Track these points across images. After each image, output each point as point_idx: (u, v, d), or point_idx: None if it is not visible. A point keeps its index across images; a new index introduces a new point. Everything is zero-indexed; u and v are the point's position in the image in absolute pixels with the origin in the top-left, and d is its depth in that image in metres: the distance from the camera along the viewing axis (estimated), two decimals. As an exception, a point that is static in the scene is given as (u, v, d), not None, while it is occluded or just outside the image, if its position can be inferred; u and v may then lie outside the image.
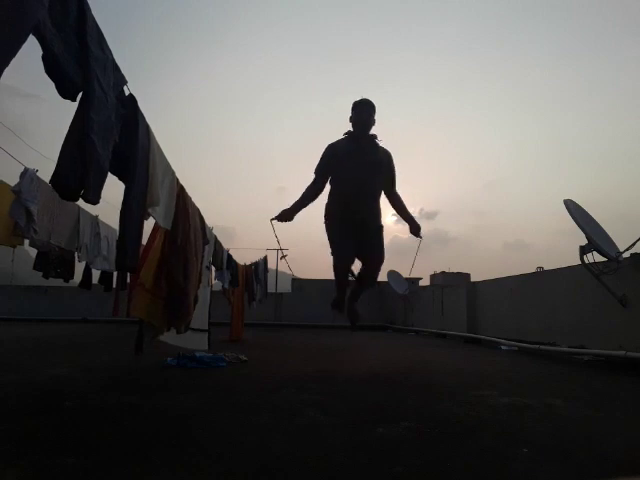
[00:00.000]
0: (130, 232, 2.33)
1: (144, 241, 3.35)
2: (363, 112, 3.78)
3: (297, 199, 3.86)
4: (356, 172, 3.72)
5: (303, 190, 3.89)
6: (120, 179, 2.23)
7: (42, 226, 4.01)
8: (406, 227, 4.16)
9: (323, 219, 3.91)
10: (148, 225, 3.09)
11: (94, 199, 1.85)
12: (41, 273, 5.69)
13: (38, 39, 1.42)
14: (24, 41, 1.27)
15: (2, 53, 1.19)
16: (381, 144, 3.90)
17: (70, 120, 1.73)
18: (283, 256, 4.05)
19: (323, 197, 3.99)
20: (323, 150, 3.92)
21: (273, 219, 3.82)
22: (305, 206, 3.88)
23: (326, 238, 3.87)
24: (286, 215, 3.80)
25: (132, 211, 2.31)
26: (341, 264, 3.80)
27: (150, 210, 2.65)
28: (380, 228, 3.89)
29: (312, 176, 3.90)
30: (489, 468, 1.42)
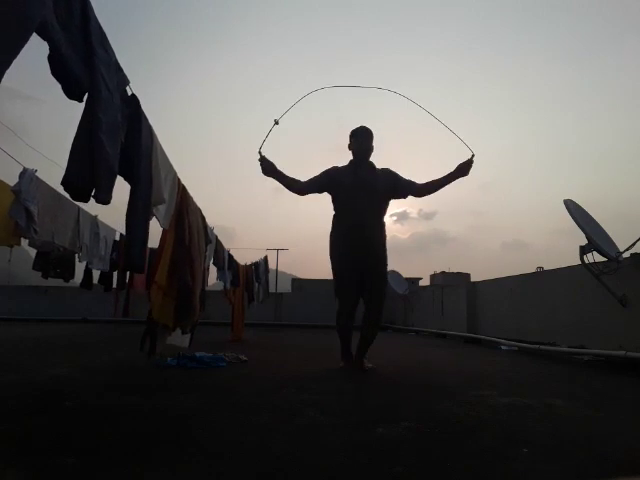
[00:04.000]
0: (137, 232, 2.34)
1: (156, 241, 3.38)
2: (363, 141, 3.86)
3: (289, 177, 3.80)
4: (358, 201, 3.77)
5: (300, 184, 3.87)
6: (125, 179, 2.24)
7: (44, 227, 4.02)
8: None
9: (328, 248, 3.95)
10: (158, 226, 3.10)
11: (105, 199, 1.85)
12: (40, 273, 5.70)
13: (45, 39, 1.42)
14: (25, 42, 1.27)
15: (3, 54, 1.19)
16: (378, 166, 3.94)
17: (70, 121, 1.73)
18: (276, 122, 3.69)
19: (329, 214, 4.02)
20: (326, 169, 3.97)
21: (260, 153, 3.63)
22: (285, 181, 3.79)
23: (329, 262, 3.95)
24: (270, 169, 3.70)
25: (138, 211, 2.32)
26: (344, 319, 3.86)
27: (154, 210, 2.67)
28: (384, 258, 3.88)
29: (311, 177, 3.93)
30: (489, 468, 1.42)
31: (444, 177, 3.76)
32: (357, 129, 3.86)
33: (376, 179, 3.86)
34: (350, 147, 3.91)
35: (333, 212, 3.97)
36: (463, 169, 3.68)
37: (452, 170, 3.72)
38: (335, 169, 3.94)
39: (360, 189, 3.78)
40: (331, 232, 3.94)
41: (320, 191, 3.95)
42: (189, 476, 1.32)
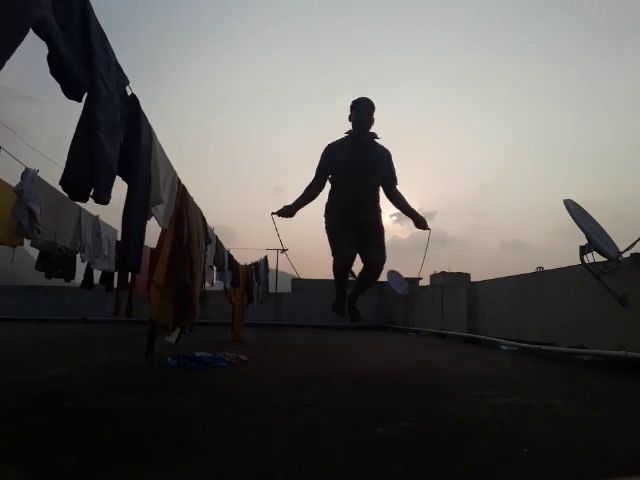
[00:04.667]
0: (133, 232, 2.34)
1: (154, 241, 3.39)
2: (362, 112, 3.73)
3: (298, 197, 3.89)
4: (355, 173, 3.72)
5: (302, 190, 3.92)
6: (123, 179, 2.23)
7: (47, 227, 4.02)
8: (405, 227, 4.20)
9: (324, 219, 3.93)
10: (158, 226, 3.10)
11: (104, 199, 1.85)
12: (43, 273, 5.71)
13: (44, 39, 1.42)
14: (20, 42, 1.26)
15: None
16: (380, 142, 3.89)
17: (70, 121, 1.73)
18: (284, 250, 4.11)
19: (324, 197, 4.00)
20: (322, 150, 3.93)
21: (274, 213, 3.83)
22: (305, 204, 3.90)
23: (326, 238, 3.88)
24: (287, 211, 3.83)
25: (135, 211, 2.32)
26: (342, 263, 3.78)
27: (152, 210, 2.66)
28: (380, 228, 3.89)
29: (309, 177, 3.95)
30: (489, 468, 1.42)
31: (409, 212, 3.97)
32: (357, 100, 3.75)
33: (373, 153, 3.81)
34: (350, 118, 3.81)
35: (330, 185, 3.94)
36: (419, 225, 3.96)
37: (413, 221, 3.99)
38: (330, 148, 3.90)
39: (355, 162, 3.73)
40: (327, 203, 3.94)
41: (327, 178, 3.94)
42: (189, 476, 1.32)
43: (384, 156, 3.90)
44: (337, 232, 3.80)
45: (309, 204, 3.94)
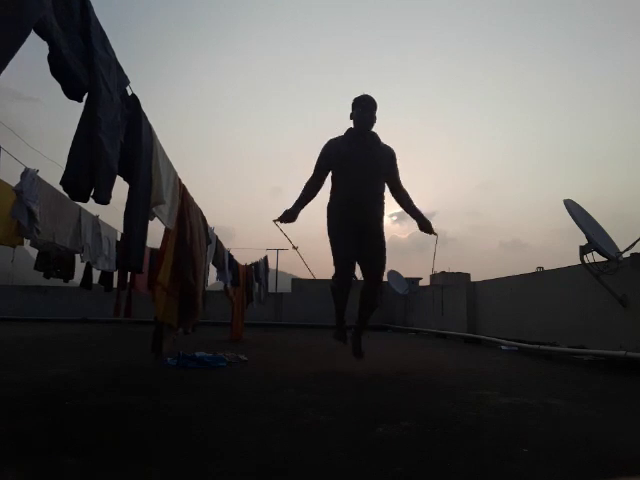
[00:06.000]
0: (135, 232, 2.34)
1: (154, 241, 3.40)
2: (365, 110, 3.64)
3: (297, 198, 3.78)
4: (356, 173, 3.60)
5: (311, 187, 3.81)
6: (124, 179, 2.24)
7: (46, 227, 4.02)
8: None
9: (326, 220, 3.80)
10: (160, 226, 3.10)
11: (104, 199, 1.85)
12: (42, 273, 5.71)
13: (45, 39, 1.42)
14: (22, 43, 1.26)
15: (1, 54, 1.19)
16: (383, 141, 3.79)
17: (70, 121, 1.74)
18: (295, 247, 4.08)
19: (324, 195, 3.93)
20: (322, 146, 3.82)
21: (276, 220, 3.74)
22: (305, 204, 3.81)
23: (328, 241, 3.77)
24: (288, 215, 3.73)
25: (137, 211, 2.32)
26: (342, 280, 3.65)
27: (154, 210, 2.66)
28: (381, 233, 3.76)
29: (309, 177, 3.86)
30: (489, 468, 1.42)
31: (415, 214, 3.88)
32: (359, 97, 3.66)
33: (376, 152, 3.69)
34: (351, 116, 3.71)
35: (331, 184, 3.81)
36: (424, 229, 3.90)
37: (418, 224, 3.91)
38: (329, 143, 3.78)
39: (357, 160, 3.62)
40: (328, 204, 3.79)
41: (327, 174, 3.81)
42: (189, 476, 1.32)
43: (387, 153, 3.78)
44: (339, 243, 3.66)
45: (310, 203, 3.85)
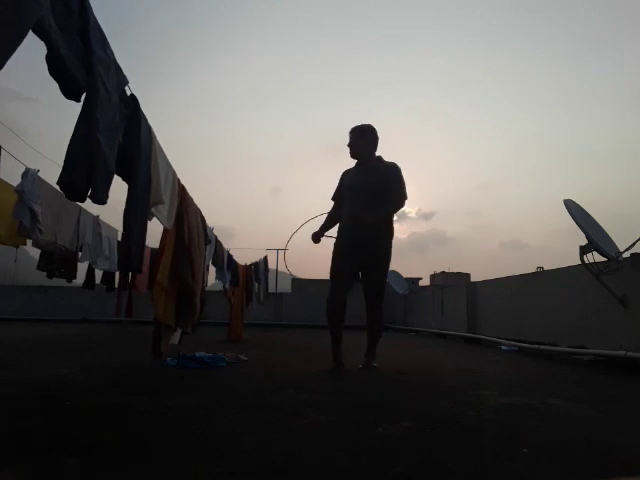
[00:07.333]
0: (134, 232, 2.34)
1: (154, 241, 3.41)
2: (350, 141, 3.97)
3: (329, 220, 4.19)
4: (358, 199, 3.87)
5: (334, 212, 4.18)
6: (123, 179, 2.24)
7: (47, 227, 4.03)
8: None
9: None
10: (159, 226, 3.11)
11: (101, 199, 1.86)
12: (45, 273, 5.71)
13: (43, 39, 1.42)
14: (19, 43, 1.26)
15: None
16: (386, 160, 3.99)
17: (69, 121, 1.74)
18: (284, 249, 4.60)
19: None
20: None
21: (317, 239, 4.14)
22: (328, 229, 4.19)
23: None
24: (313, 237, 4.17)
25: (136, 211, 2.32)
26: (333, 309, 3.90)
27: (153, 210, 2.66)
28: (382, 255, 3.91)
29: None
30: (489, 468, 1.42)
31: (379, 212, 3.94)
32: (351, 128, 3.97)
33: (375, 176, 3.90)
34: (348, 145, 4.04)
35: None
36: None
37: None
38: (342, 176, 4.15)
39: (360, 188, 3.89)
40: (337, 231, 4.09)
41: (341, 203, 4.13)
42: (189, 476, 1.32)
43: (390, 171, 3.94)
44: (335, 263, 3.94)
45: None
